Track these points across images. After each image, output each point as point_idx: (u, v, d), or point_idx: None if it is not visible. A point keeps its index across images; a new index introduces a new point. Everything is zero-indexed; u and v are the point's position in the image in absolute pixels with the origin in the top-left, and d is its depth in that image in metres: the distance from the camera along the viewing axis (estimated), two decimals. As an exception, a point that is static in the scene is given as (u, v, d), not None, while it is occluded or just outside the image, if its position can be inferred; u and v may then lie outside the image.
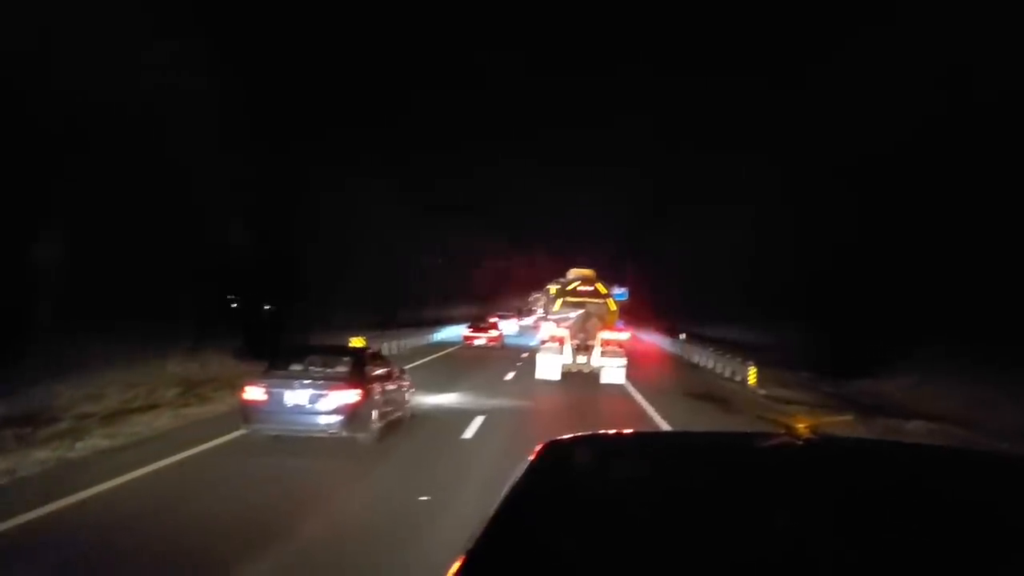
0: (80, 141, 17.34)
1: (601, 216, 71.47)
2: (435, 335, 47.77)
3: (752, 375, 24.13)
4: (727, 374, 27.68)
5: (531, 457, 2.01)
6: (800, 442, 2.09)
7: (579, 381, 23.53)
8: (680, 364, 35.63)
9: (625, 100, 53.53)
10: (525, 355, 31.04)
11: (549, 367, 24.25)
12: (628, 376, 23.72)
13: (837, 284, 27.37)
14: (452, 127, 47.11)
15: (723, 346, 33.57)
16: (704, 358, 33.27)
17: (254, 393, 11.87)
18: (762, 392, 22.20)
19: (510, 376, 24.45)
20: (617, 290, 49.60)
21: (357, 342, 21.31)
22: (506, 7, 44.42)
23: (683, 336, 44.34)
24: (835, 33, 29.40)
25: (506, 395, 19.93)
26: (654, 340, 53.12)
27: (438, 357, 33.49)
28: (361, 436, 12.08)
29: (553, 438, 2.23)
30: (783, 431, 2.15)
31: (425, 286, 50.73)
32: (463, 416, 15.52)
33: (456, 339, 47.00)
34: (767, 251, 37.10)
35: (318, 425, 11.78)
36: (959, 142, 20.37)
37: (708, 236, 49.58)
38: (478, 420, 15.16)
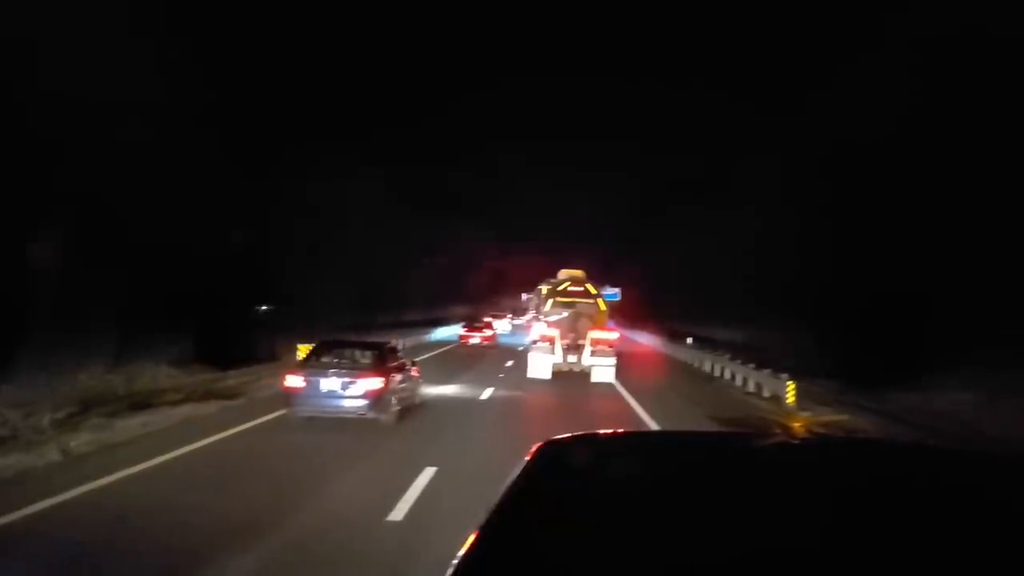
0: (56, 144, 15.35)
1: (596, 216, 66.25)
2: (429, 336, 46.16)
3: (791, 392, 18.20)
4: (751, 387, 21.80)
5: (528, 456, 1.81)
6: (796, 441, 2.28)
7: (573, 391, 20.21)
8: (692, 374, 28.38)
9: (620, 102, 48.75)
10: (510, 364, 27.32)
11: (540, 366, 22.85)
12: (637, 394, 19.56)
13: (848, 284, 23.54)
14: (447, 128, 42.40)
15: (730, 350, 29.19)
16: (719, 366, 26.91)
17: (294, 381, 12.79)
18: (805, 414, 16.97)
19: (486, 395, 19.11)
20: (609, 290, 45.18)
21: (305, 350, 17.63)
22: (506, 14, 39.93)
23: (690, 340, 37.31)
24: (831, 32, 26.39)
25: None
26: (654, 344, 46.60)
27: (431, 357, 30.52)
28: (383, 417, 12.94)
29: (549, 437, 1.97)
30: (780, 430, 1.84)
31: (414, 287, 45.53)
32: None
33: (449, 339, 45.57)
34: (770, 249, 32.33)
35: (348, 408, 12.60)
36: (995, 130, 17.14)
37: (707, 235, 43.76)
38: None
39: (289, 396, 12.90)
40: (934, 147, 19.62)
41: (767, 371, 20.40)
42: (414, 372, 15.71)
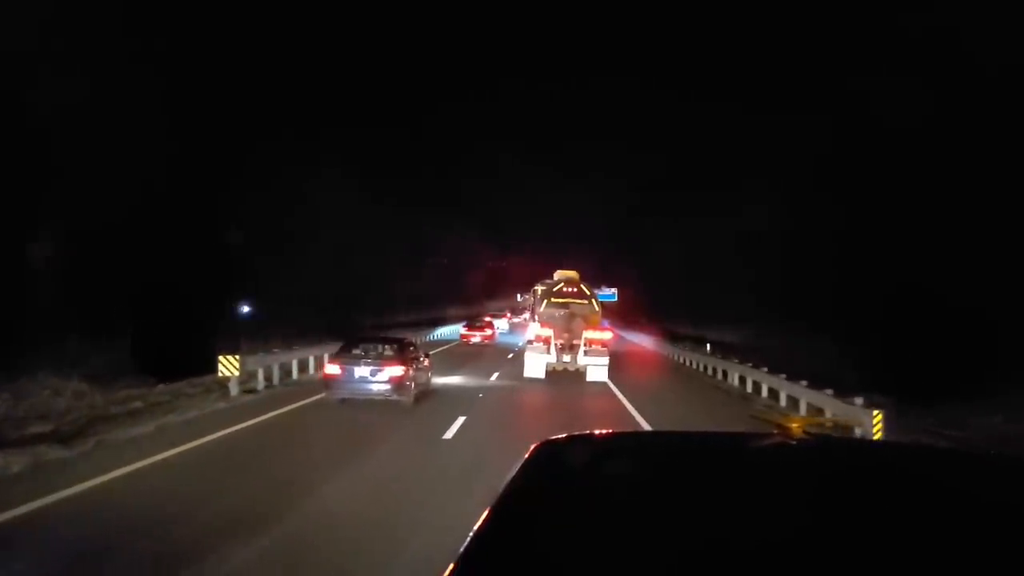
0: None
1: (593, 217, 61.40)
2: (431, 335, 43.29)
3: (878, 424, 12.05)
4: (802, 411, 15.89)
5: (526, 456, 1.72)
6: (793, 442, 1.79)
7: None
8: (718, 391, 21.48)
9: (617, 104, 44.58)
10: (494, 378, 22.52)
11: (536, 366, 21.56)
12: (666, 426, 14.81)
13: (867, 281, 19.38)
14: (445, 130, 38.58)
15: (731, 353, 24.75)
16: (751, 380, 20.50)
17: (332, 369, 14.11)
18: None
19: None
20: (605, 291, 41.49)
21: (228, 363, 14.86)
22: (504, 17, 36.19)
23: (708, 347, 29.92)
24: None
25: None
26: (658, 348, 39.30)
27: (435, 354, 25.99)
28: (404, 399, 14.19)
29: (546, 438, 1.88)
30: (776, 431, 1.84)
31: (410, 288, 41.13)
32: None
33: (450, 338, 43.11)
34: (773, 247, 28.25)
35: (376, 391, 13.87)
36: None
37: (705, 235, 39.12)
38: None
39: (328, 382, 14.28)
40: (963, 140, 15.36)
41: (829, 391, 14.42)
42: (427, 363, 16.97)
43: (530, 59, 43.40)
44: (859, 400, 12.74)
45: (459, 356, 28.83)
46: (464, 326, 43.18)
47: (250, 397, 15.02)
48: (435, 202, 44.95)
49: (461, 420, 12.91)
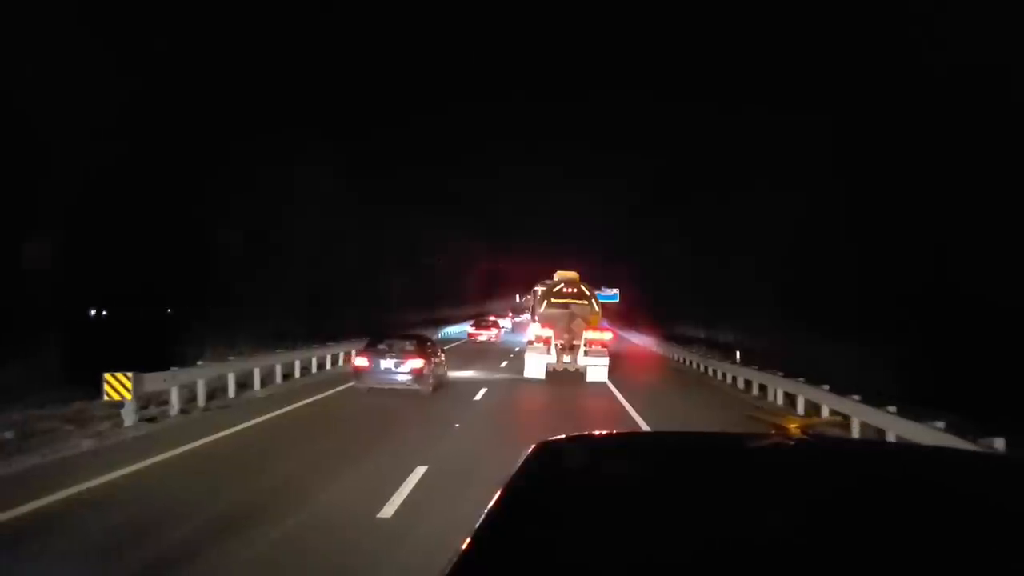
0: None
1: (595, 217, 57.46)
2: (438, 334, 42.18)
3: None
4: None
5: (524, 457, 1.67)
6: (792, 442, 1.78)
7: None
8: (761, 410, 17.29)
9: (617, 105, 41.30)
10: (479, 392, 18.61)
11: (536, 366, 20.98)
12: None
13: (891, 273, 16.57)
14: (442, 132, 35.83)
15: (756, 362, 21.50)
16: (802, 397, 15.70)
17: (361, 361, 15.75)
18: None
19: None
20: (607, 291, 38.64)
21: (116, 382, 10.45)
22: (504, 19, 33.71)
23: (739, 355, 24.86)
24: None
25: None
26: (666, 352, 34.09)
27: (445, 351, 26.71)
28: (423, 389, 15.69)
29: (545, 439, 1.83)
30: (774, 431, 1.87)
31: (400, 288, 38.34)
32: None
33: (456, 336, 42.73)
34: (775, 244, 25.72)
35: (399, 381, 15.32)
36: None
37: (714, 235, 38.02)
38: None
39: (357, 372, 15.88)
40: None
41: (939, 423, 9.97)
42: (443, 358, 18.22)
43: (531, 60, 40.73)
44: (999, 442, 8.06)
45: (468, 353, 27.85)
46: (471, 325, 44.43)
47: (144, 429, 10.61)
48: (434, 202, 44.00)
49: (422, 470, 8.39)
